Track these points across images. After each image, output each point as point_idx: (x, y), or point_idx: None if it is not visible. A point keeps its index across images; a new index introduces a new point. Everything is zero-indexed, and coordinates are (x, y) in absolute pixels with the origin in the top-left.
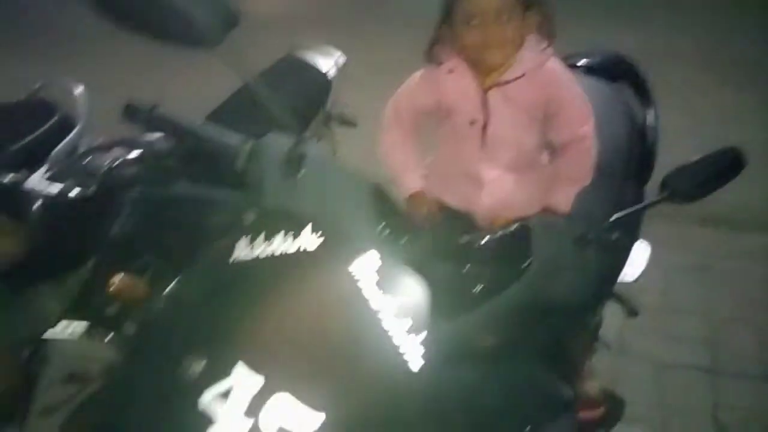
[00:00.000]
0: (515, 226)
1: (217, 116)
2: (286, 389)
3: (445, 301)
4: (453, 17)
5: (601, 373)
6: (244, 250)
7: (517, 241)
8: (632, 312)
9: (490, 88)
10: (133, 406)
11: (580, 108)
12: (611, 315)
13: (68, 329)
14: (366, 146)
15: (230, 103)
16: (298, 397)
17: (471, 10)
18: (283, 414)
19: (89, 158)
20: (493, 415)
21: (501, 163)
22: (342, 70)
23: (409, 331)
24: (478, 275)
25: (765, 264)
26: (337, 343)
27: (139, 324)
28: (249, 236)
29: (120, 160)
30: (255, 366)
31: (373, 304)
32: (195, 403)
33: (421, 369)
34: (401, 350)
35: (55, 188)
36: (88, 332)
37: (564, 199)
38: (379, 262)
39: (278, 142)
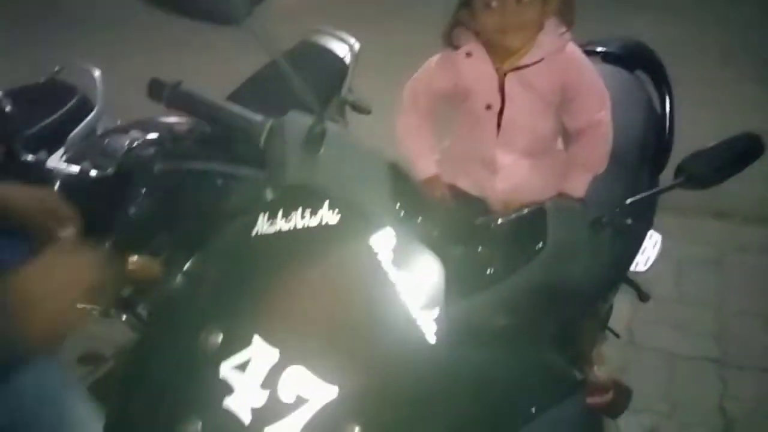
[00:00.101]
0: (530, 208)
1: (236, 97)
2: (300, 362)
3: (458, 281)
4: (472, 0)
5: (610, 361)
6: (265, 225)
7: (532, 224)
8: (644, 296)
9: (507, 72)
10: (153, 376)
11: (597, 94)
12: (621, 305)
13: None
14: (381, 131)
15: (249, 84)
16: (313, 371)
17: None
18: (299, 384)
19: (107, 140)
20: (500, 394)
21: (516, 149)
22: (357, 56)
23: (423, 308)
24: (491, 256)
25: None
26: (356, 313)
27: (160, 296)
28: (269, 212)
29: (139, 141)
30: (270, 339)
31: (392, 277)
32: (215, 373)
33: (435, 344)
34: (418, 323)
35: (75, 168)
36: (105, 312)
37: (578, 185)
38: (395, 240)
39: (299, 121)
